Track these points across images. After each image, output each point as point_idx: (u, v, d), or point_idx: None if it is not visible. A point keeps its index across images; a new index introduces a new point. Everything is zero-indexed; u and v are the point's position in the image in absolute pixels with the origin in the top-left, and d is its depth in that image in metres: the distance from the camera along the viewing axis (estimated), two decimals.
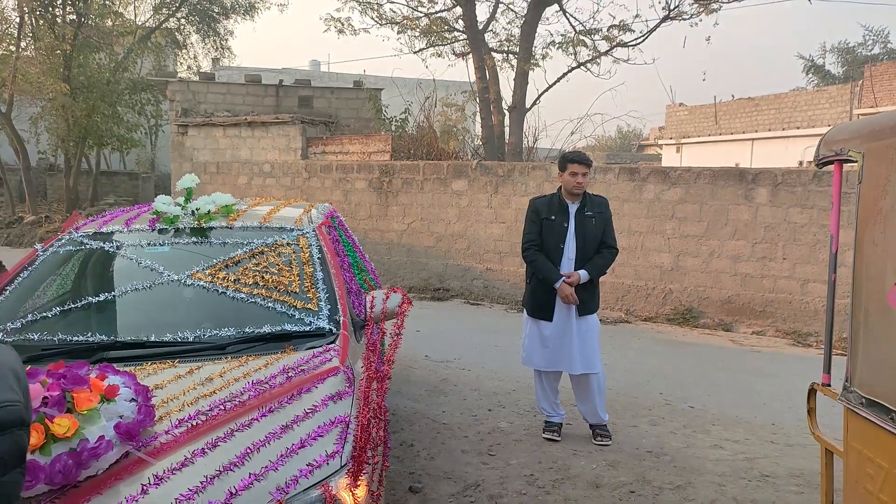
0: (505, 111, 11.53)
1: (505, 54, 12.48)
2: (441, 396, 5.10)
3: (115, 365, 2.26)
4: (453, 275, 10.29)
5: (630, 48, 11.39)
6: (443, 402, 4.95)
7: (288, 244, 3.14)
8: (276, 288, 2.83)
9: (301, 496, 1.82)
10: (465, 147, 11.25)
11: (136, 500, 1.68)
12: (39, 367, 1.93)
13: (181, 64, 21.72)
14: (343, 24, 12.51)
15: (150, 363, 2.33)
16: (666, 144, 28.20)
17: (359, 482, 1.91)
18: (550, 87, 11.87)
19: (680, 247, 8.77)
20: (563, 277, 4.04)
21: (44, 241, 3.13)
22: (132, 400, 1.88)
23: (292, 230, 3.27)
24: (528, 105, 11.49)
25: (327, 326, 2.69)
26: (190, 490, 1.73)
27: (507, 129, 11.45)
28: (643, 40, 11.39)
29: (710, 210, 8.54)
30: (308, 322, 2.69)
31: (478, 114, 11.73)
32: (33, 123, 17.76)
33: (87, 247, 3.03)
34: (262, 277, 2.87)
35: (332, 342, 2.58)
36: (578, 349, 4.10)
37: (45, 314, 2.60)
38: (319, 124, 12.92)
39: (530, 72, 11.29)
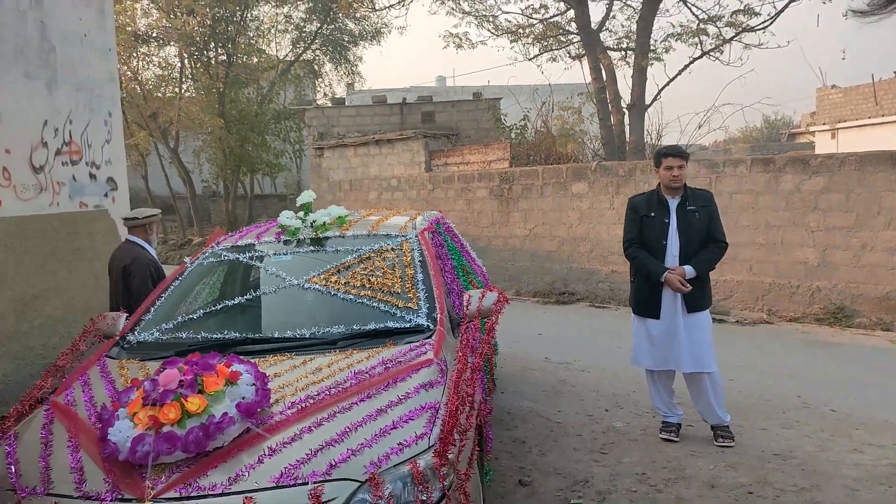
0: (624, 110, 11.27)
1: (623, 52, 12.21)
2: (558, 397, 5.14)
3: (241, 356, 2.61)
4: (578, 278, 10.21)
5: (760, 32, 10.69)
6: (559, 403, 4.99)
7: (392, 249, 3.39)
8: (380, 289, 3.08)
9: (392, 471, 2.02)
10: (584, 149, 11.15)
11: (253, 468, 1.96)
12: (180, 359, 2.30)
13: (318, 91, 23.36)
14: (461, 39, 12.91)
15: (271, 356, 2.66)
16: (819, 131, 25.85)
17: (444, 461, 2.07)
18: (671, 80, 11.45)
19: (826, 240, 8.09)
20: (669, 270, 3.96)
21: (191, 256, 3.63)
22: (252, 384, 2.18)
23: (397, 237, 3.52)
24: (647, 101, 11.15)
25: (425, 323, 2.89)
26: (297, 461, 1.98)
27: (627, 128, 11.19)
28: (770, 23, 10.67)
29: (859, 199, 7.81)
30: (408, 320, 2.91)
31: (595, 115, 11.56)
32: (196, 156, 19.96)
33: (225, 258, 3.47)
34: (369, 280, 3.14)
35: (428, 338, 2.78)
36: (688, 347, 3.98)
37: (190, 316, 3.04)
38: (441, 137, 13.38)
39: (649, 67, 10.96)
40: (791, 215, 8.28)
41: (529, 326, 8.01)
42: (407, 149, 12.93)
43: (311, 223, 3.62)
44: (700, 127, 13.97)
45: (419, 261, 3.30)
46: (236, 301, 3.10)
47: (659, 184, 4.15)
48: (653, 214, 4.09)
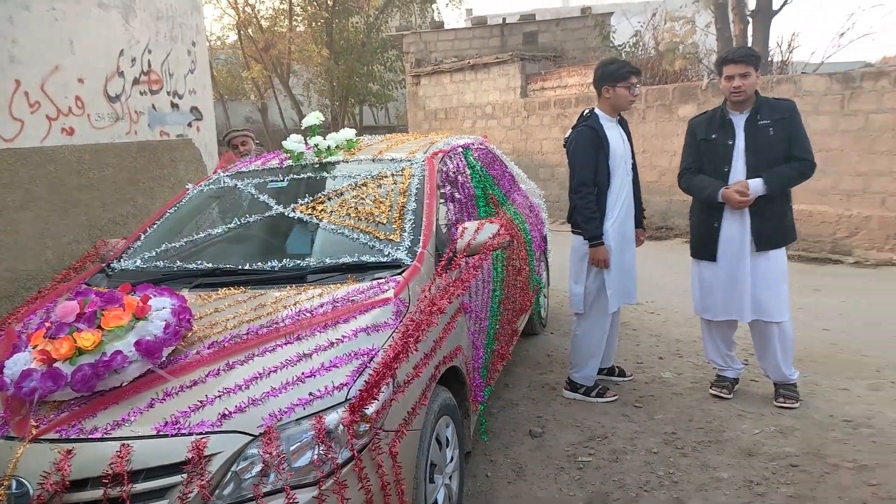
0: (747, 17, 9.83)
1: None
2: None
3: (193, 290, 2.48)
4: (678, 212, 9.34)
5: None
6: None
7: (392, 175, 3.08)
8: (366, 219, 2.81)
9: (293, 425, 1.79)
10: (696, 67, 9.89)
11: (141, 412, 1.81)
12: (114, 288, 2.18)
13: (426, 17, 22.73)
14: None
15: (224, 289, 2.49)
16: None
17: (357, 417, 1.82)
18: None
19: None
20: (726, 186, 3.33)
21: (195, 182, 3.53)
22: (164, 321, 2.01)
23: (401, 161, 3.20)
24: (775, 7, 9.63)
25: (404, 258, 2.58)
26: (189, 408, 1.81)
27: (749, 40, 9.78)
28: None
29: None
30: (386, 253, 2.62)
31: (713, 24, 10.18)
32: (306, 88, 20.31)
33: (224, 185, 3.33)
34: (356, 209, 2.87)
35: (399, 273, 2.48)
36: (752, 292, 3.37)
37: (174, 245, 2.94)
38: (542, 60, 12.51)
39: None
40: None
41: None
42: (503, 73, 12.25)
43: (315, 147, 3.38)
44: (842, 35, 11.76)
45: (416, 188, 2.97)
46: (220, 230, 2.96)
47: (725, 99, 3.46)
48: (714, 136, 3.43)
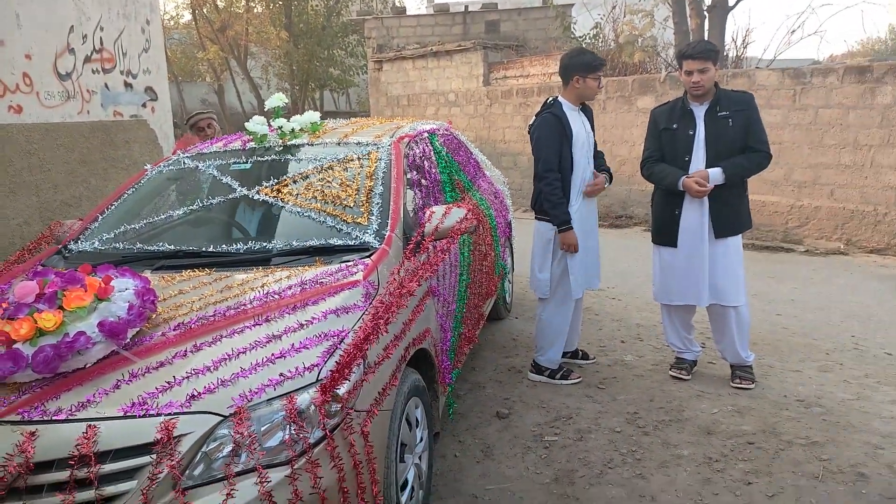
0: (704, 12, 10.04)
1: None
2: None
3: (156, 271, 2.42)
4: (637, 201, 9.53)
5: None
6: None
7: (358, 159, 3.05)
8: (333, 202, 2.78)
9: (264, 406, 1.77)
10: (655, 60, 10.07)
11: (107, 393, 1.77)
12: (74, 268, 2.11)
13: (385, 3, 22.46)
14: None
15: (188, 271, 2.44)
16: None
17: (329, 397, 1.81)
18: None
19: None
20: (687, 175, 3.42)
21: (154, 162, 3.44)
22: (127, 302, 1.96)
23: (367, 145, 3.18)
24: (731, 3, 9.86)
25: (372, 241, 2.57)
26: (156, 389, 1.77)
27: (706, 34, 10.00)
28: None
29: None
30: (354, 237, 2.60)
31: (671, 18, 10.37)
32: (264, 71, 19.88)
33: (185, 166, 3.25)
34: (323, 192, 2.84)
35: (368, 257, 2.47)
36: (710, 277, 3.48)
37: (133, 226, 2.86)
38: (505, 49, 12.54)
39: None
40: (886, 133, 7.22)
41: None
42: (465, 61, 12.23)
43: (279, 129, 3.32)
44: (793, 32, 12.10)
45: (383, 172, 2.95)
46: (181, 211, 2.89)
47: (685, 91, 3.54)
48: (675, 126, 3.50)
